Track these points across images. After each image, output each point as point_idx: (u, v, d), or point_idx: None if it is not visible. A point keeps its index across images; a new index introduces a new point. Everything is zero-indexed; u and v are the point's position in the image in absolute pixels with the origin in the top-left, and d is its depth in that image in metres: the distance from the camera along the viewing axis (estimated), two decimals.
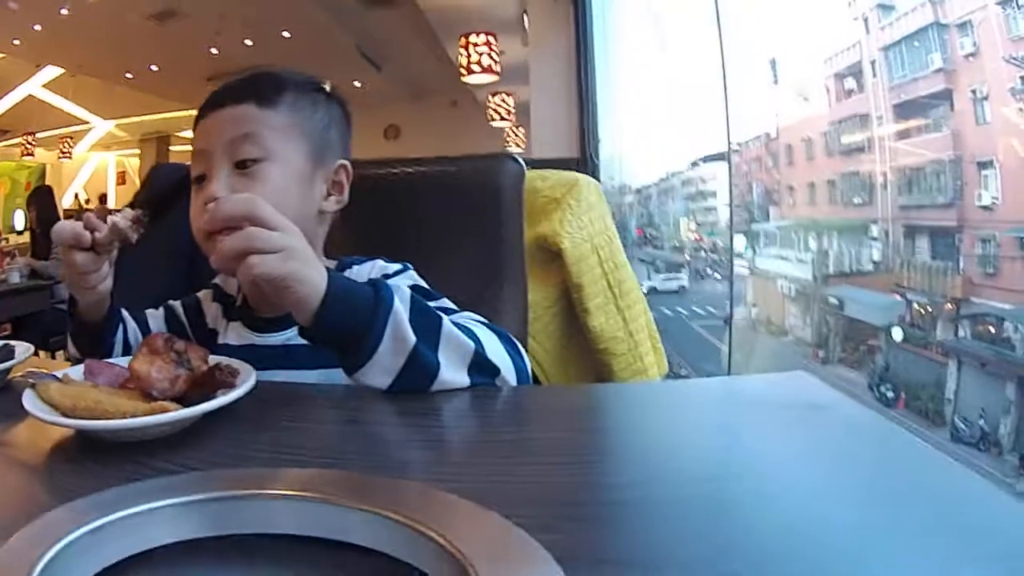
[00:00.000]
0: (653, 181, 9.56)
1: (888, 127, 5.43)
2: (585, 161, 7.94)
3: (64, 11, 10.83)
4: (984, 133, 5.14)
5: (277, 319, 1.40)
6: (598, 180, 7.49)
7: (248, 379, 1.11)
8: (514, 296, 1.70)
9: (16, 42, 12.32)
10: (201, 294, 1.59)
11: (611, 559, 0.61)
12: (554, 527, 0.65)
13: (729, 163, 7.31)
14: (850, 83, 5.77)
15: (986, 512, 0.67)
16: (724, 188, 7.53)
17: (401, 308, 1.12)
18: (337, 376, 1.23)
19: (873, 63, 5.51)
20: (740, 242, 7.45)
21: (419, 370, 1.12)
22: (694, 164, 8.55)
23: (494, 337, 1.23)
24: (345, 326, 1.10)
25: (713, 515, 0.70)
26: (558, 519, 0.70)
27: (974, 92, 5.11)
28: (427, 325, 1.15)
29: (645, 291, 2.31)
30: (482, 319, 1.28)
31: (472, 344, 1.16)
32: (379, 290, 1.12)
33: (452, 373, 1.14)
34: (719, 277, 7.96)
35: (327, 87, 1.51)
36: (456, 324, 1.18)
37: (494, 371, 1.18)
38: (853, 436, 0.90)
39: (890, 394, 5.51)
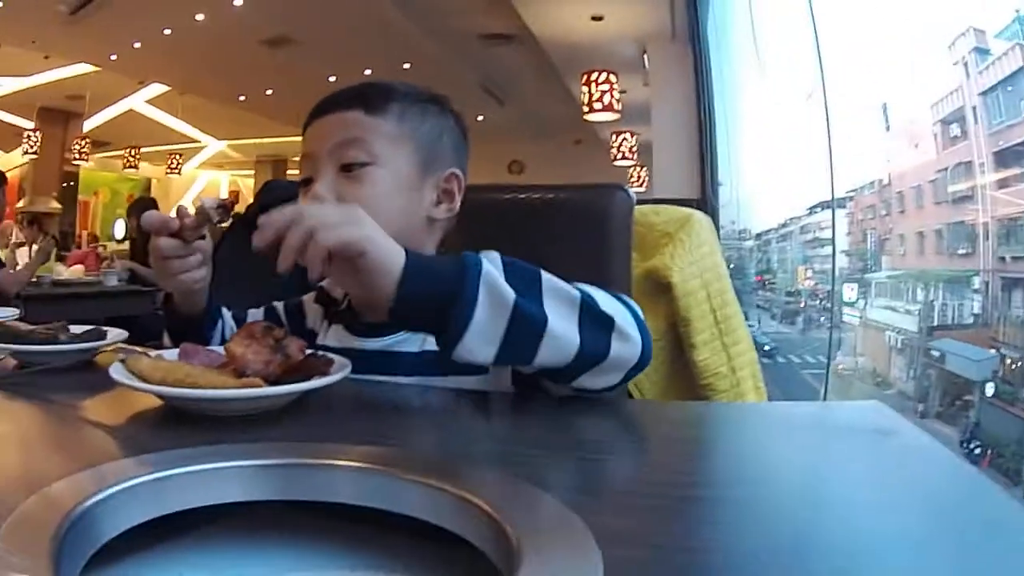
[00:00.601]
0: (773, 226, 9.65)
1: (989, 175, 5.51)
2: (705, 202, 8.22)
3: (167, 31, 11.37)
4: None
5: (380, 326, 1.42)
6: (717, 223, 7.70)
7: (343, 370, 1.15)
8: None
9: (113, 57, 12.81)
10: (305, 297, 1.66)
11: (653, 543, 0.66)
12: (607, 512, 0.72)
13: (833, 212, 7.46)
14: (955, 129, 5.82)
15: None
16: (839, 235, 7.62)
17: (492, 268, 1.10)
18: (435, 384, 1.31)
19: (974, 109, 5.64)
20: (854, 291, 7.55)
21: (525, 328, 1.09)
22: (812, 210, 8.63)
23: (604, 292, 1.21)
24: (434, 293, 1.08)
25: (760, 515, 0.75)
26: (614, 507, 0.78)
27: None
28: (525, 279, 1.14)
29: None
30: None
31: (577, 293, 1.15)
32: (463, 256, 1.11)
33: (562, 324, 1.11)
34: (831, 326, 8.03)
35: (440, 98, 1.55)
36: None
37: (607, 321, 1.15)
38: (911, 459, 0.94)
39: (978, 451, 5.55)
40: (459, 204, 1.51)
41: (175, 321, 1.50)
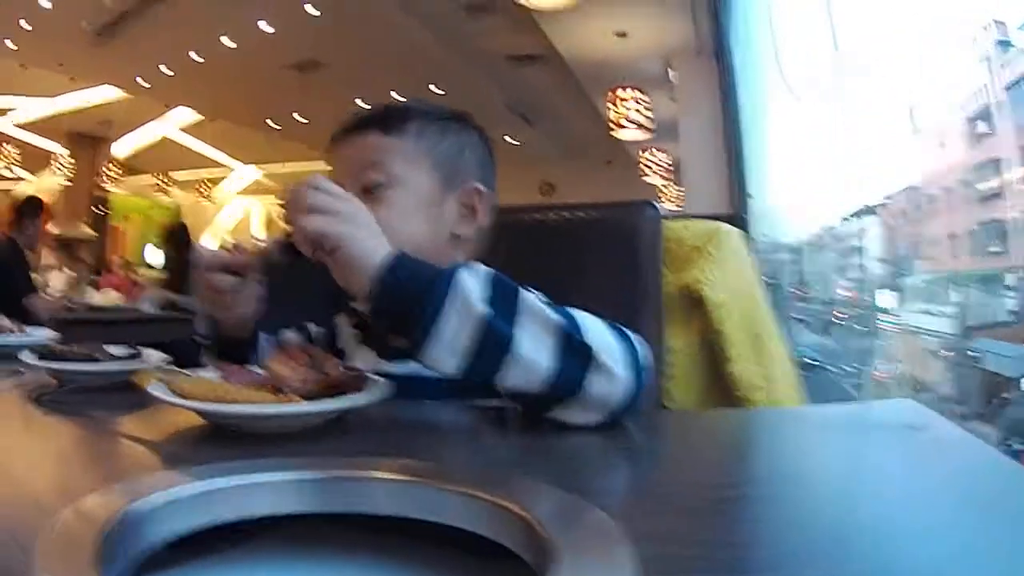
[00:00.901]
0: (805, 238, 9.66)
1: (1017, 171, 5.51)
2: (737, 217, 8.21)
3: (194, 55, 11.48)
4: None
5: (405, 349, 1.42)
6: (750, 236, 7.69)
7: (381, 390, 1.16)
8: (649, 341, 1.48)
9: (139, 80, 12.97)
10: (339, 317, 1.63)
11: (694, 540, 0.67)
12: (642, 515, 0.73)
13: (862, 219, 7.48)
14: (982, 127, 5.83)
15: None
16: (873, 243, 7.62)
17: (468, 278, 1.11)
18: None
19: (999, 104, 5.62)
20: (889, 297, 7.55)
21: (491, 345, 1.08)
22: (845, 220, 8.63)
23: (599, 323, 1.17)
24: (402, 296, 1.10)
25: (800, 511, 0.77)
26: (647, 509, 0.77)
27: None
28: (501, 296, 1.13)
29: None
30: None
31: (558, 318, 1.12)
32: (448, 267, 1.13)
33: (531, 347, 1.09)
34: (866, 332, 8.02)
35: (461, 115, 1.56)
36: (547, 304, 1.15)
37: (585, 352, 1.10)
38: (946, 452, 0.96)
39: (1018, 447, 5.49)
40: (485, 219, 1.50)
41: (220, 342, 1.49)
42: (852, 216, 8.24)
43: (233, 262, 1.33)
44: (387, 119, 1.45)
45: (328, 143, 1.49)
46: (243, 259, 1.34)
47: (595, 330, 1.13)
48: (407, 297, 1.10)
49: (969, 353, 6.16)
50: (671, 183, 13.44)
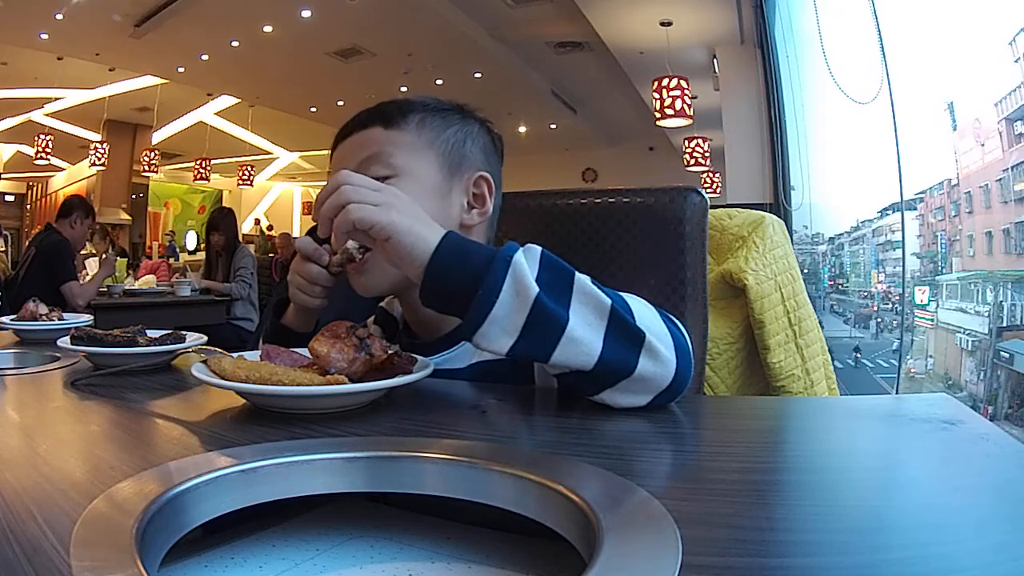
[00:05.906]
0: (845, 230, 9.66)
1: None
2: (778, 207, 8.35)
3: (235, 43, 11.72)
4: None
5: (431, 344, 1.46)
6: (790, 227, 7.74)
7: (425, 369, 1.19)
8: (694, 327, 1.70)
9: (180, 69, 13.20)
10: (369, 320, 1.70)
11: (731, 524, 0.68)
12: (684, 497, 0.75)
13: (903, 213, 7.54)
14: (1020, 127, 5.86)
15: None
16: (910, 238, 7.67)
17: (523, 259, 1.11)
18: None
19: None
20: (925, 293, 7.59)
21: (544, 326, 1.09)
22: (883, 213, 8.65)
23: (649, 308, 1.20)
24: (457, 278, 1.11)
25: (835, 497, 0.79)
26: (689, 491, 0.79)
27: None
28: (555, 278, 1.13)
29: None
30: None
31: (609, 301, 1.13)
32: (503, 247, 1.14)
33: (584, 329, 1.10)
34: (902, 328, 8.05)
35: (463, 107, 1.61)
36: (599, 286, 1.16)
37: (637, 335, 1.12)
38: (979, 445, 0.96)
39: None
40: (491, 208, 1.55)
41: (281, 333, 1.53)
42: (890, 210, 8.28)
43: (325, 258, 1.39)
44: (387, 113, 1.50)
45: (333, 141, 1.55)
46: (333, 259, 1.38)
47: (646, 314, 1.17)
48: (463, 279, 1.10)
49: (1002, 354, 6.21)
50: (713, 172, 13.50)
